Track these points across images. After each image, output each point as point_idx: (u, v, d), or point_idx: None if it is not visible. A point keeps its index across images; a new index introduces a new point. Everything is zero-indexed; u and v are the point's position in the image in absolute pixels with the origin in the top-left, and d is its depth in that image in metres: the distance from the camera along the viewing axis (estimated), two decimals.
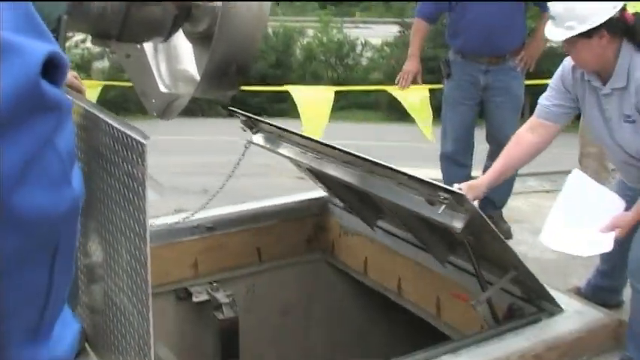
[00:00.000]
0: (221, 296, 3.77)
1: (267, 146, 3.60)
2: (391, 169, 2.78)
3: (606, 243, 3.02)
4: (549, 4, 3.12)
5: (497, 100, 4.75)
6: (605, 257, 3.66)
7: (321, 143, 3.19)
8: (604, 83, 3.03)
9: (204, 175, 11.73)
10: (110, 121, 2.06)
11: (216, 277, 3.96)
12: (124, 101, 20.20)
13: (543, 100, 3.38)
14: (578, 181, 3.20)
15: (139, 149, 1.90)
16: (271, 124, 3.50)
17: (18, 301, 0.80)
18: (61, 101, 0.79)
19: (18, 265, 0.77)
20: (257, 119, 3.56)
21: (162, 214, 4.01)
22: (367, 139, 19.61)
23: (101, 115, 2.13)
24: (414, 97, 6.10)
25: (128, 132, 1.96)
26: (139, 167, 1.92)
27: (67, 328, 0.94)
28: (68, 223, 0.83)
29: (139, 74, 2.05)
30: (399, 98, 5.90)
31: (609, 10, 2.85)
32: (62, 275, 0.86)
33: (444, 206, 2.53)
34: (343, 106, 24.99)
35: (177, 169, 10.74)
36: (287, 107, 31.00)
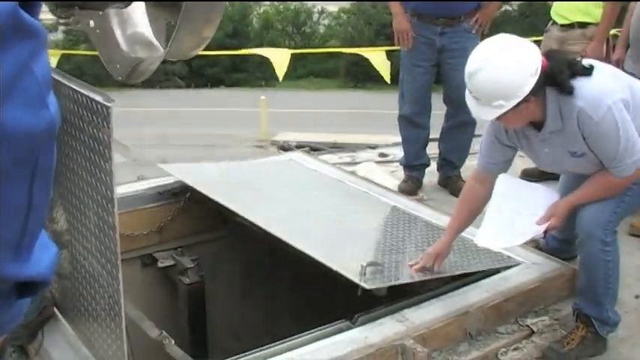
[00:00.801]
0: (186, 261, 3.82)
1: None
2: None
3: (539, 229, 3.06)
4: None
5: (453, 61, 4.79)
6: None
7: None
8: (539, 129, 2.98)
9: (163, 146, 11.73)
10: (74, 86, 2.09)
11: (181, 242, 4.01)
12: (81, 74, 19.96)
13: (485, 158, 3.22)
14: (507, 182, 3.21)
15: (104, 112, 1.94)
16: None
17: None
18: (38, 29, 0.84)
19: None
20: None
21: (124, 182, 4.03)
22: (327, 107, 19.65)
23: (64, 81, 2.16)
24: (375, 59, 6.31)
25: (92, 95, 2.00)
26: (104, 130, 1.96)
27: (45, 251, 0.99)
28: (46, 142, 0.88)
29: (103, 41, 2.07)
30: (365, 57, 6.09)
31: (531, 78, 2.76)
32: (41, 195, 0.91)
33: None
34: (301, 75, 25.02)
35: (135, 141, 10.71)
36: (244, 77, 31.00)
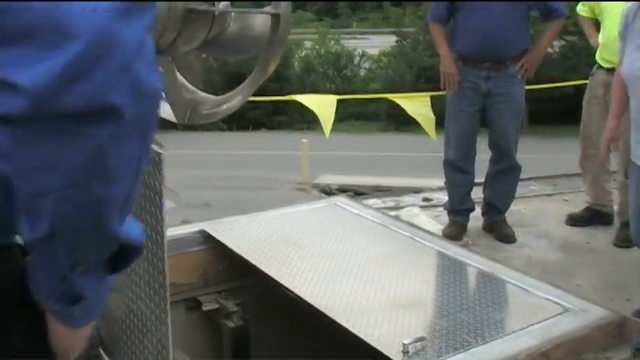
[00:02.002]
0: (230, 305, 3.82)
1: None
2: None
3: None
4: None
5: (499, 106, 4.80)
6: None
7: None
8: None
9: (206, 189, 11.81)
10: None
11: (225, 286, 4.01)
12: None
13: None
14: None
15: (156, 159, 1.96)
16: None
17: (121, 169, 0.94)
18: (152, 5, 0.96)
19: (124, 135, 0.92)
20: None
21: (168, 226, 4.06)
22: (368, 150, 19.69)
23: None
24: (417, 106, 6.25)
25: None
26: (156, 177, 1.99)
27: (134, 223, 1.07)
28: (156, 108, 0.97)
29: (169, 84, 2.17)
30: (403, 106, 6.01)
31: None
32: (146, 155, 0.99)
33: None
34: (343, 118, 25.09)
35: (179, 183, 10.81)
36: (286, 120, 31.18)
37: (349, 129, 24.50)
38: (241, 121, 31.81)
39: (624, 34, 3.93)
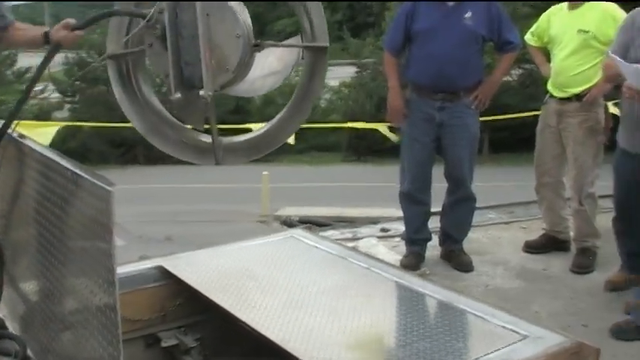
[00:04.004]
0: (189, 340, 3.80)
1: None
2: None
3: None
4: None
5: (453, 137, 4.84)
6: None
7: None
8: None
9: (168, 223, 11.76)
10: (75, 170, 2.13)
11: (184, 321, 3.99)
12: (85, 150, 20.19)
13: None
14: None
15: (105, 196, 1.96)
16: None
17: None
18: None
19: None
20: None
21: (126, 262, 4.04)
22: (328, 180, 19.74)
23: (64, 163, 2.19)
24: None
25: (94, 180, 2.02)
26: (105, 214, 1.98)
27: None
28: None
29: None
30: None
31: None
32: None
33: None
34: (303, 149, 25.16)
35: (141, 217, 10.76)
36: None
37: (310, 160, 24.57)
38: None
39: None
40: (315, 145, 25.83)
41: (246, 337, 4.24)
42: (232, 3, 2.67)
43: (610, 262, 4.98)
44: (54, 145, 6.87)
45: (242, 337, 4.27)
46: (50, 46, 3.00)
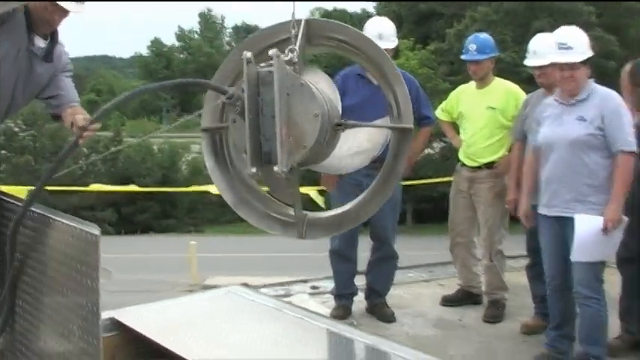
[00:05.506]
0: None
1: None
2: None
3: None
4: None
5: None
6: None
7: None
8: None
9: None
10: (64, 220, 2.51)
11: None
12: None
13: None
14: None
15: (92, 240, 2.34)
16: None
17: None
18: None
19: None
20: None
21: None
22: (257, 250, 20.00)
23: (53, 216, 2.57)
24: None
25: (81, 227, 2.41)
26: (92, 257, 2.33)
27: None
28: None
29: None
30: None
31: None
32: None
33: None
34: (230, 220, 25.36)
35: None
36: (174, 223, 31.16)
37: (236, 230, 24.77)
38: (129, 224, 31.72)
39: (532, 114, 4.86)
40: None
41: None
42: (315, 82, 2.77)
43: (517, 313, 5.57)
44: None
45: None
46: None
